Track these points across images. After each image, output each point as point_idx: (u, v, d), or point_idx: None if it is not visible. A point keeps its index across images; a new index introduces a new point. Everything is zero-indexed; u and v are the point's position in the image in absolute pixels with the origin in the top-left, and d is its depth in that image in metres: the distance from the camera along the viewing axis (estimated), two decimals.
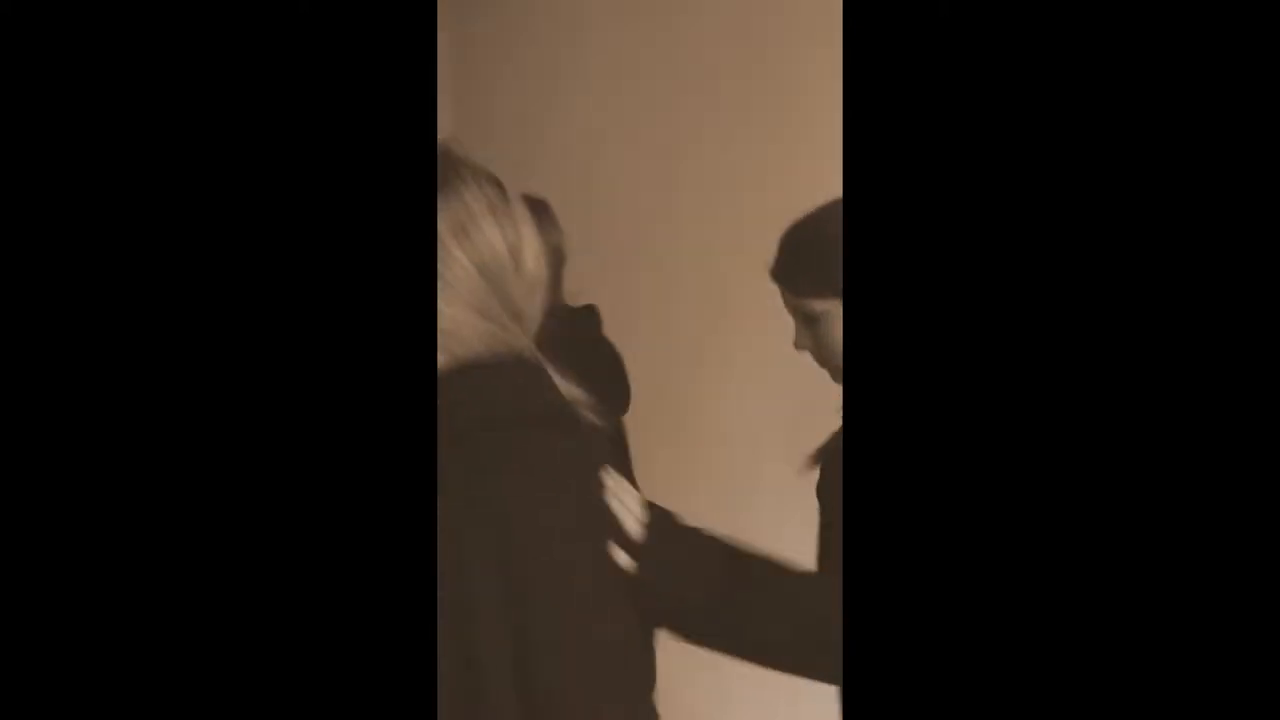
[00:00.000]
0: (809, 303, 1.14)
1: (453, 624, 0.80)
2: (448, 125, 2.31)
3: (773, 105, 2.22)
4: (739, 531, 1.01)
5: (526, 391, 0.89)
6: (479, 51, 2.74)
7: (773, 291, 1.19)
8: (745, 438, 2.28)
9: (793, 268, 1.16)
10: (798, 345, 1.19)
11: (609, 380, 1.82)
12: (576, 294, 1.87)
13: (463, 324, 0.88)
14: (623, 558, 0.93)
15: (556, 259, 1.68)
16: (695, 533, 0.99)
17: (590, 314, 1.91)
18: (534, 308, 0.95)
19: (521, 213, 0.94)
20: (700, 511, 1.02)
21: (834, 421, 1.13)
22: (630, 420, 1.92)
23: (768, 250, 1.19)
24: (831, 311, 1.13)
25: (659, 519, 0.97)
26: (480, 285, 0.89)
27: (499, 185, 0.94)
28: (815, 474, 1.21)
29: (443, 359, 0.87)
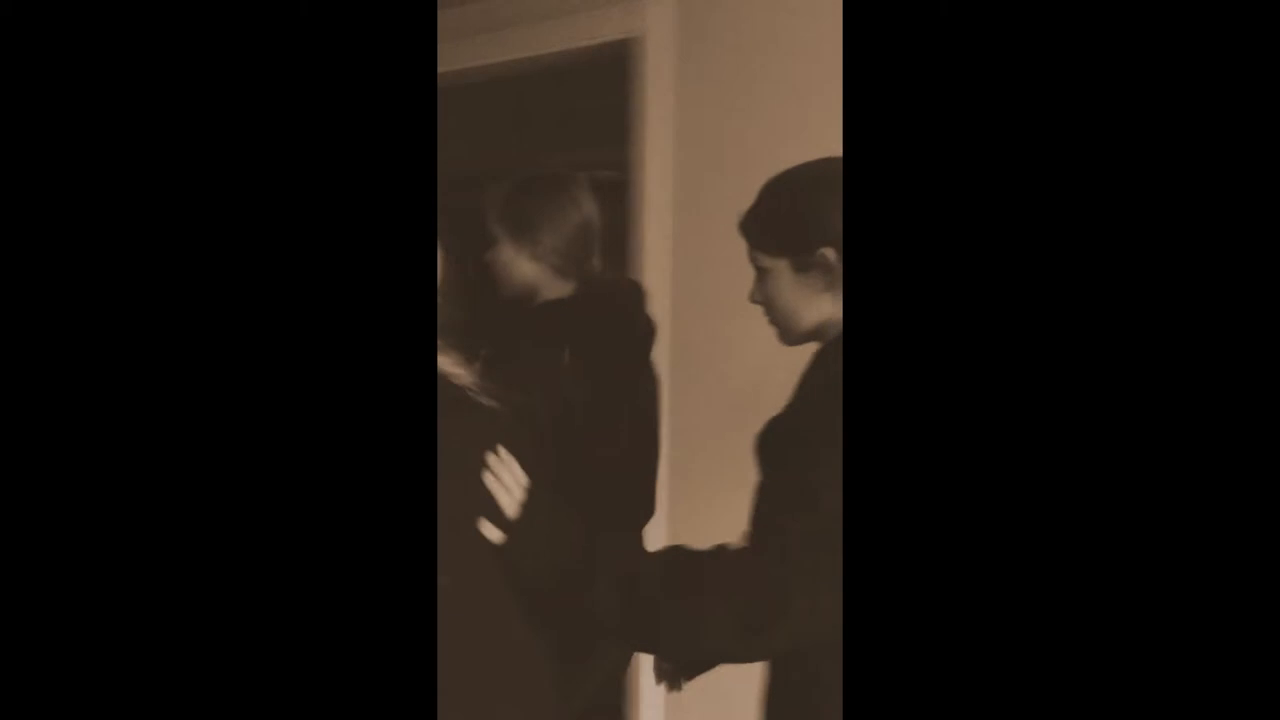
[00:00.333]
0: (760, 256, 1.16)
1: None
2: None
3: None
4: None
5: None
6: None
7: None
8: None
9: (756, 221, 1.18)
10: (751, 298, 1.21)
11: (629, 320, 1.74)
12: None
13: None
14: (493, 533, 0.98)
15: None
16: (559, 508, 1.03)
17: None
18: None
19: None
20: None
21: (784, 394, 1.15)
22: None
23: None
24: (775, 270, 1.14)
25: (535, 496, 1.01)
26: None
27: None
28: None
29: None
